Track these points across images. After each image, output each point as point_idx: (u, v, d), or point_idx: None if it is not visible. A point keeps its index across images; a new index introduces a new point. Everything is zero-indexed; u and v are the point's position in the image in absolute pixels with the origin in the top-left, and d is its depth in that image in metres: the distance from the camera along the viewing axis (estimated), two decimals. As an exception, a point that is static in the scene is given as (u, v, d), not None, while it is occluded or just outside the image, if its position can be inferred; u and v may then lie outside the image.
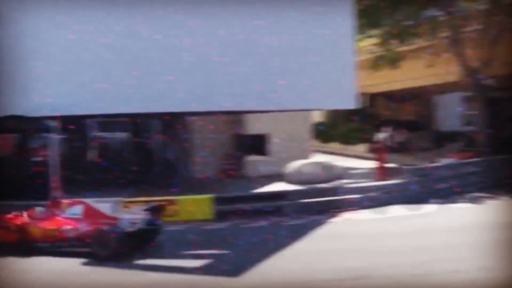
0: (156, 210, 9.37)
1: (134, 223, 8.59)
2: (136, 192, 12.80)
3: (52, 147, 13.09)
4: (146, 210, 9.20)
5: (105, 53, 13.53)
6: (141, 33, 13.27)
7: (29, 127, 13.62)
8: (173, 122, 16.33)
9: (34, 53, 12.76)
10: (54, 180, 12.51)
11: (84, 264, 8.23)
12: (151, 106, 14.23)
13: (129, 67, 13.68)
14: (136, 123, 16.87)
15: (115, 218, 8.63)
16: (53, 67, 13.72)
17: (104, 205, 8.92)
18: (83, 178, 14.11)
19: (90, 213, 8.69)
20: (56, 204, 9.43)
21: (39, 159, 13.69)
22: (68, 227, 8.66)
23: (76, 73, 13.83)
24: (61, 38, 12.95)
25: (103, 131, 16.81)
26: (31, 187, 12.31)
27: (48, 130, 13.28)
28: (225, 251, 8.81)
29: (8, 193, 11.62)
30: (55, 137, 13.33)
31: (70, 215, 8.93)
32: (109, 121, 16.60)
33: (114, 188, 13.47)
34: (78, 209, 8.92)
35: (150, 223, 8.88)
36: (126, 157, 16.55)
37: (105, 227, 8.40)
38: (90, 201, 9.15)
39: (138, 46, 13.43)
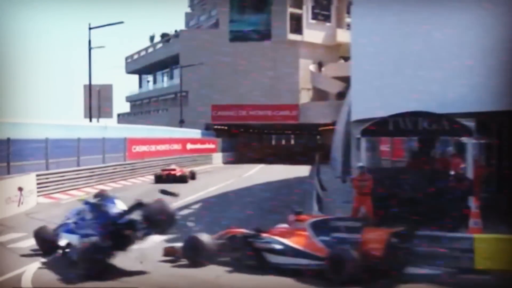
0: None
1: None
2: None
3: (469, 155, 15.15)
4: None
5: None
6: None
7: (433, 129, 16.03)
8: None
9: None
10: (474, 202, 14.54)
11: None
12: None
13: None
14: None
15: None
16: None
17: None
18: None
19: None
20: None
21: (450, 171, 16.09)
22: None
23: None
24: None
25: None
26: (439, 209, 14.88)
27: (459, 131, 15.48)
28: None
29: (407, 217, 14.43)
30: (472, 141, 15.32)
31: None
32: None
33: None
34: None
35: None
36: None
37: None
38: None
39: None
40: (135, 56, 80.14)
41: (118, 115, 77.92)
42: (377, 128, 17.00)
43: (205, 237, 12.95)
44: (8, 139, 24.32)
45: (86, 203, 13.44)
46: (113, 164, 34.86)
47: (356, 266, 11.13)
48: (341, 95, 50.95)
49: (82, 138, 31.13)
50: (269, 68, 60.53)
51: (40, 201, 24.73)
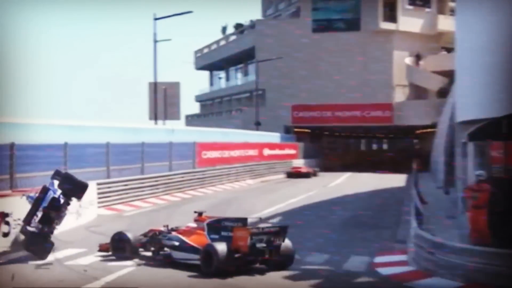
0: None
1: None
2: None
3: None
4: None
5: None
6: None
7: None
8: None
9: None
10: None
11: None
12: None
13: None
14: None
15: None
16: None
17: None
18: None
19: None
20: None
21: None
22: None
23: None
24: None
25: None
26: None
27: None
28: None
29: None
30: None
31: None
32: None
33: None
34: None
35: None
36: None
37: None
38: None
39: None
40: (205, 50, 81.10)
41: (187, 116, 79.09)
42: (487, 130, 16.72)
43: (130, 234, 16.41)
44: (65, 144, 24.89)
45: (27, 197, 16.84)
46: (181, 172, 35.29)
47: (221, 260, 14.20)
48: (443, 93, 49.97)
49: (147, 143, 31.55)
50: (358, 62, 60.08)
51: (101, 212, 25.28)
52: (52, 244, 16.03)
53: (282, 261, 15.18)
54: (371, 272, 15.46)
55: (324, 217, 25.33)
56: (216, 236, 15.29)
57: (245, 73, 75.35)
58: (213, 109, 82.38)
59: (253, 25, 69.56)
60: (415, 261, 15.81)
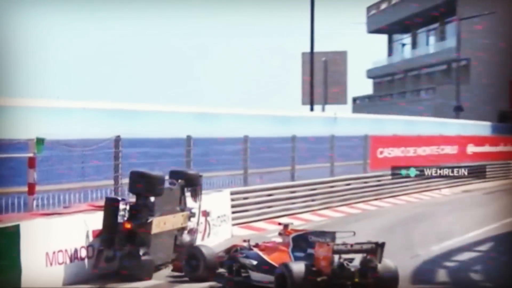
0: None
1: None
2: None
3: None
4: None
5: None
6: None
7: None
8: None
9: None
10: None
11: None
12: None
13: None
14: None
15: None
16: None
17: None
18: None
19: None
20: None
21: None
22: None
23: None
24: None
25: None
26: None
27: None
28: None
29: None
30: None
31: None
32: None
33: None
34: None
35: None
36: None
37: None
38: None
39: None
40: (383, 6, 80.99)
41: (354, 99, 79.26)
42: None
43: (204, 249, 17.58)
44: (188, 138, 25.60)
45: None
46: (347, 178, 35.55)
47: (296, 284, 14.65)
48: None
49: (299, 136, 31.94)
50: None
51: (235, 232, 25.66)
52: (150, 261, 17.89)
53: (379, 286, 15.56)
54: None
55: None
56: (301, 254, 16.02)
57: (441, 37, 74.68)
58: (392, 88, 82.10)
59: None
60: None
